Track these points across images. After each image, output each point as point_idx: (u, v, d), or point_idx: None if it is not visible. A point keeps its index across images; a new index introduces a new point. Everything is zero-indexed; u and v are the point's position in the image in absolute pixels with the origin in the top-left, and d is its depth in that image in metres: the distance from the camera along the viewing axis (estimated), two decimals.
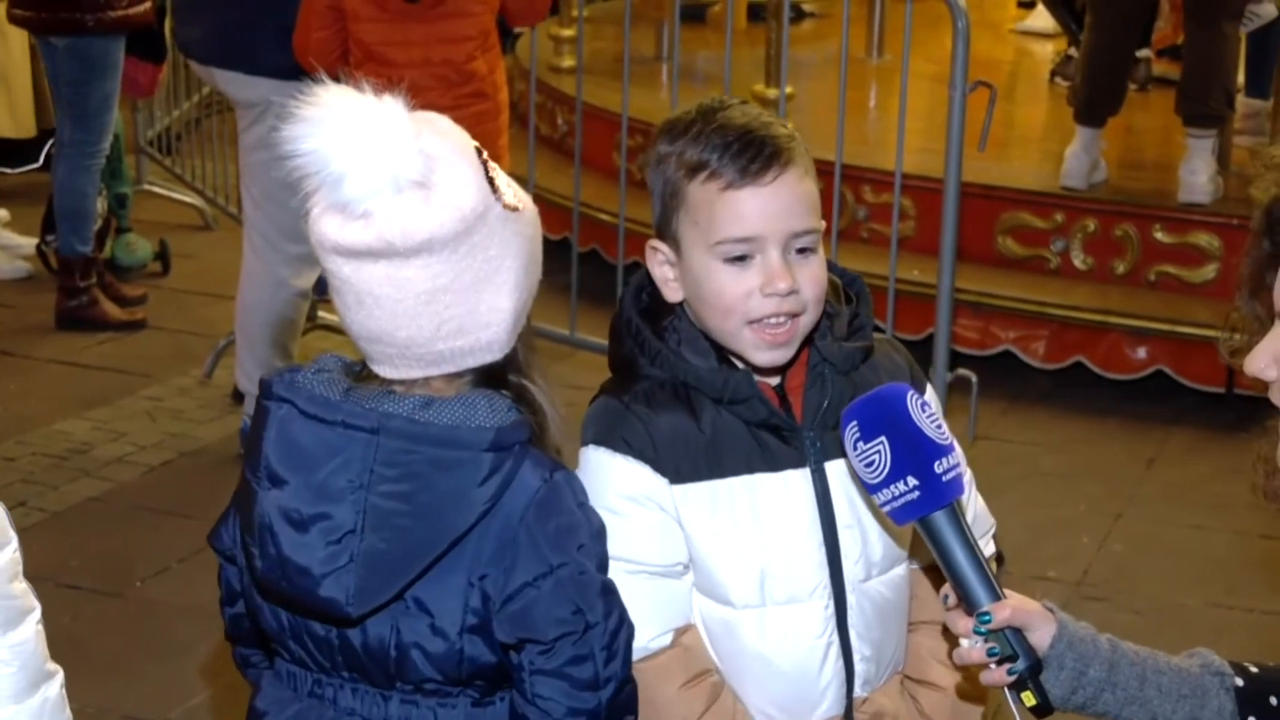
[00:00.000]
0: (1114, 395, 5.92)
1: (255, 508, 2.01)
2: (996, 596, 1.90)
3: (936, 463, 1.88)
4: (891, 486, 1.89)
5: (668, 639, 2.16)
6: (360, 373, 2.07)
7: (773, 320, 2.11)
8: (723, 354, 2.18)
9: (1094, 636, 1.97)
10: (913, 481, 1.87)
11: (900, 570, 2.27)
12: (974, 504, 2.34)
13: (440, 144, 1.95)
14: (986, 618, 1.88)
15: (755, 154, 2.09)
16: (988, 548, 2.36)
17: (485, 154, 2.00)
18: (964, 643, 1.92)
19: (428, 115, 1.99)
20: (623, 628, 2.04)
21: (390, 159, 1.90)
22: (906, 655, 2.31)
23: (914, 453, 1.88)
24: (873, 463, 1.89)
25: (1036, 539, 4.92)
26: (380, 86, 1.95)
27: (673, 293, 2.18)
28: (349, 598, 1.97)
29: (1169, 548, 4.90)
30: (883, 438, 1.88)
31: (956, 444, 1.94)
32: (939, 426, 1.92)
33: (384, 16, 4.80)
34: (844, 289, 2.26)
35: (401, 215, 1.91)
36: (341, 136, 1.89)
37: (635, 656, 2.13)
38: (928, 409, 1.93)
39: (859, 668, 2.23)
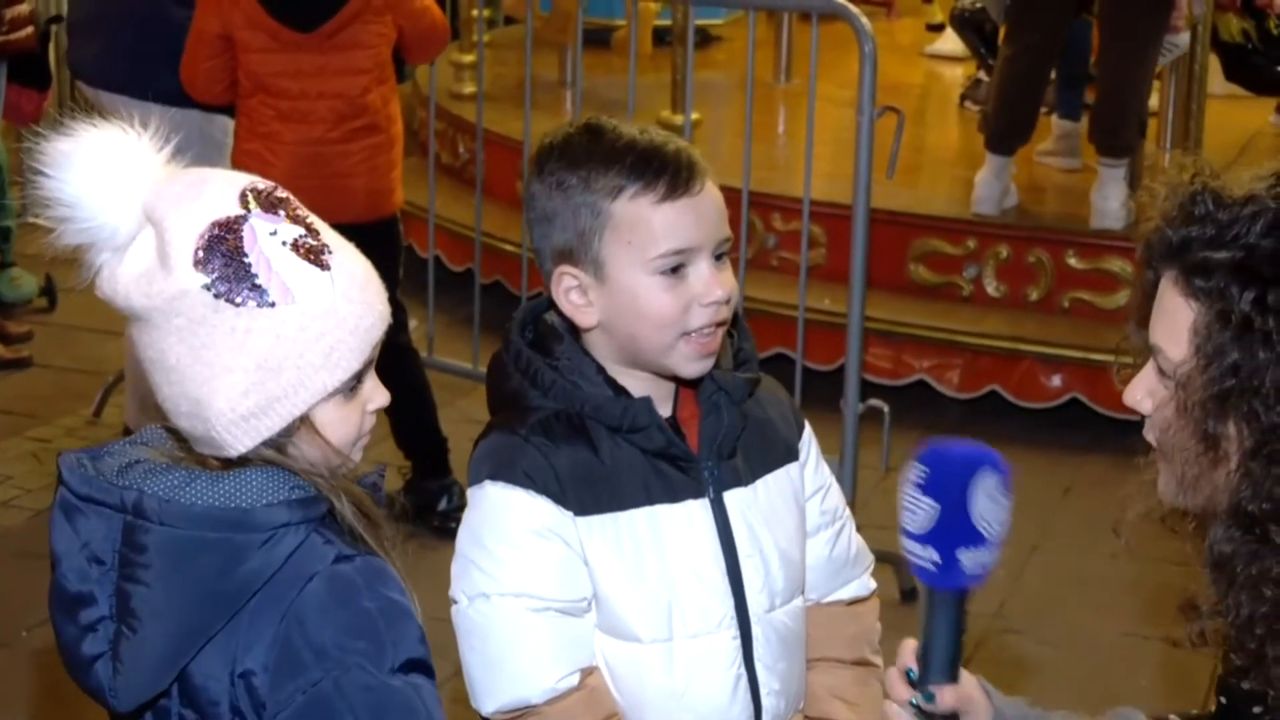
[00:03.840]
0: (1029, 424, 5.97)
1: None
2: (952, 680, 1.91)
3: (966, 553, 1.86)
4: (916, 546, 1.87)
5: (575, 679, 2.16)
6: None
7: (707, 330, 2.17)
8: (613, 383, 2.20)
9: (1026, 715, 2.00)
10: (934, 557, 1.87)
11: (800, 601, 2.31)
12: (853, 541, 2.40)
13: (173, 212, 1.85)
14: (930, 696, 1.90)
15: (678, 167, 2.15)
16: (868, 585, 2.42)
17: (245, 239, 1.86)
18: (893, 708, 1.92)
19: (201, 174, 1.90)
20: None
21: (107, 211, 1.85)
22: (806, 693, 2.33)
23: (952, 534, 1.86)
24: (916, 514, 1.88)
25: None
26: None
27: (586, 318, 2.19)
28: (110, 689, 1.89)
29: (1085, 578, 4.95)
30: (937, 502, 1.86)
31: (1000, 541, 1.90)
32: (996, 520, 1.87)
33: (276, 46, 4.77)
34: None
35: (104, 275, 1.87)
36: (76, 179, 1.84)
37: (541, 699, 2.13)
38: (1000, 499, 1.88)
39: (766, 702, 2.24)
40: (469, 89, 7.84)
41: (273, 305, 1.86)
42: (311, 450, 1.92)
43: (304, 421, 1.90)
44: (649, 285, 2.15)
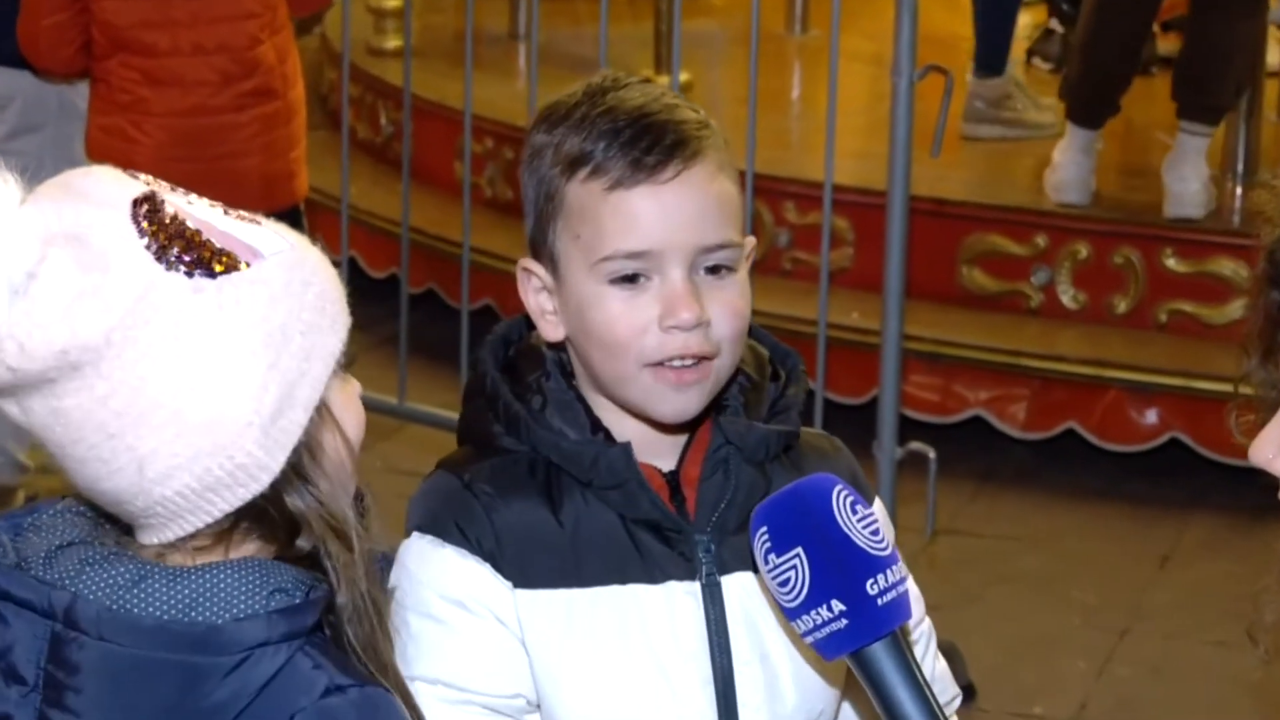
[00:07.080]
0: (1115, 473, 5.98)
1: None
2: None
3: (869, 582, 1.88)
4: (812, 613, 1.88)
5: None
6: None
7: (676, 363, 2.11)
8: (599, 425, 2.18)
9: None
10: (838, 606, 1.87)
11: None
12: (935, 664, 2.34)
13: (85, 209, 1.81)
14: None
15: (651, 143, 2.11)
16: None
17: (173, 210, 1.84)
18: None
19: (68, 173, 1.86)
20: None
21: None
22: None
23: (839, 569, 1.87)
24: (788, 581, 1.89)
25: (1017, 663, 4.95)
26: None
27: (551, 329, 2.18)
28: None
29: (1188, 670, 4.95)
30: (799, 549, 1.88)
31: (898, 555, 1.94)
32: (875, 532, 1.91)
33: None
34: (772, 362, 2.26)
35: (8, 348, 1.77)
36: None
37: None
38: (861, 509, 1.92)
39: None
40: (393, 43, 7.84)
41: (248, 265, 1.84)
42: (335, 467, 1.90)
43: (322, 414, 1.88)
44: (598, 296, 2.12)
